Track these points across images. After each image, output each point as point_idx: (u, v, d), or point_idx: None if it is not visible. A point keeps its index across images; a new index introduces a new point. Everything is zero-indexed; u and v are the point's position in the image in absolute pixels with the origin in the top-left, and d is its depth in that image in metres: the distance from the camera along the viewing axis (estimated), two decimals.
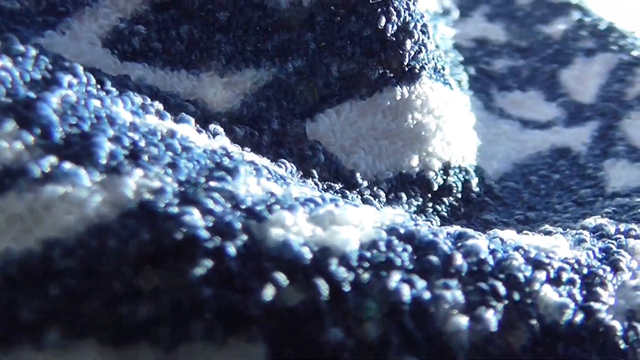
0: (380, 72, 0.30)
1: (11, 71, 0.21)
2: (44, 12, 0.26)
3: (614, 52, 0.39)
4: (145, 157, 0.20)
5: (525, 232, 0.26)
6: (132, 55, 0.27)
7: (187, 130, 0.22)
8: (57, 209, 0.19)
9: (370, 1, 0.29)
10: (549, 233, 0.27)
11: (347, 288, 0.19)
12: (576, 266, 0.22)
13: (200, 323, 0.18)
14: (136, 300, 0.18)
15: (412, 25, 0.30)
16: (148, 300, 0.18)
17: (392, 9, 0.29)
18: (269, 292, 0.18)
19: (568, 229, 0.27)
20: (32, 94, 0.21)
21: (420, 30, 0.31)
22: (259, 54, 0.29)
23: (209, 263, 0.19)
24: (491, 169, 0.35)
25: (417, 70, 0.31)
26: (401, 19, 0.30)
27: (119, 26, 0.27)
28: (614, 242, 0.24)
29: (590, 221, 0.27)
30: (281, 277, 0.19)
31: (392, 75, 0.31)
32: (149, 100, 0.23)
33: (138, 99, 0.23)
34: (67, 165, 0.20)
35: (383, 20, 0.29)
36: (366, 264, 0.19)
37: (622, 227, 0.25)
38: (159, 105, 0.23)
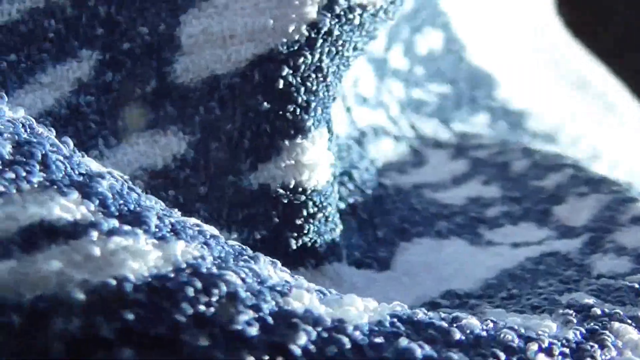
0: (325, 248, 0.36)
1: (64, 162, 0.25)
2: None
3: (607, 194, 0.39)
4: (184, 235, 0.24)
5: (510, 306, 0.29)
6: None
7: (211, 228, 0.26)
8: (123, 255, 0.22)
9: (323, 187, 0.35)
10: (535, 308, 0.29)
11: (364, 342, 0.22)
12: (565, 342, 0.24)
13: (250, 356, 0.20)
14: (196, 330, 0.20)
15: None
16: (206, 334, 0.20)
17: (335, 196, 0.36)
18: (302, 339, 0.21)
19: (554, 304, 0.29)
20: (83, 179, 0.24)
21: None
22: (231, 222, 0.34)
23: (251, 313, 0.21)
24: (474, 279, 0.35)
25: (342, 255, 0.37)
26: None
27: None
28: (599, 324, 0.26)
29: (577, 298, 0.28)
30: (310, 329, 0.22)
31: (331, 251, 0.36)
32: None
33: (162, 204, 0.26)
34: (126, 227, 0.22)
35: (333, 202, 0.36)
36: (376, 333, 0.23)
37: (607, 309, 0.27)
38: (178, 213, 0.27)
